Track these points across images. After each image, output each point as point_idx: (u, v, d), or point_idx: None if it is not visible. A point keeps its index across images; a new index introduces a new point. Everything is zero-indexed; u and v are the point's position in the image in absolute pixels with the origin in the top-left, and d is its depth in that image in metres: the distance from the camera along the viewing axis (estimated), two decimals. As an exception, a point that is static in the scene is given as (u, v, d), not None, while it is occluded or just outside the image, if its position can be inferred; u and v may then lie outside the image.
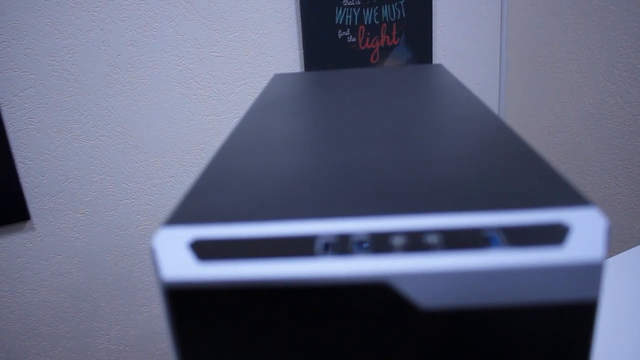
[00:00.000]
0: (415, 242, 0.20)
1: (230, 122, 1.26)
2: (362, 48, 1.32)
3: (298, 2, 1.24)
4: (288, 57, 1.28)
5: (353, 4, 1.28)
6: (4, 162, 1.07)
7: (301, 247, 0.20)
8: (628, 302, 0.60)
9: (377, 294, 0.19)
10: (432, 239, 0.20)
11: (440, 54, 1.44)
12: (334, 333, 0.20)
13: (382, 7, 1.31)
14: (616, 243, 1.28)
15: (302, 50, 1.28)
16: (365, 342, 0.20)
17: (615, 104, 1.20)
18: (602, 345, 0.54)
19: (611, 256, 0.77)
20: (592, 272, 0.19)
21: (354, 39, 1.31)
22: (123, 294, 1.27)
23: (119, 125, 1.17)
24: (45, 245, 1.18)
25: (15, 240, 1.14)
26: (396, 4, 1.32)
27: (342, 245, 0.20)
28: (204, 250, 0.21)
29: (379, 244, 0.20)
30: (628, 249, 0.79)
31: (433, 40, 1.41)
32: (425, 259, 0.19)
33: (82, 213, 1.19)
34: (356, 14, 1.30)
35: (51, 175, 1.14)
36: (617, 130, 1.21)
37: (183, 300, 0.20)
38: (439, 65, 0.56)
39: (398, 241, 0.20)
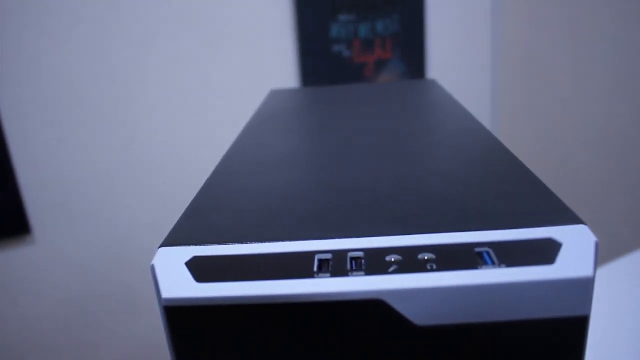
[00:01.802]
0: (410, 261, 0.20)
1: (229, 137, 1.27)
2: (357, 62, 1.34)
3: (294, 16, 1.25)
4: (284, 71, 1.29)
5: (348, 18, 1.30)
6: (5, 175, 1.07)
7: (298, 266, 0.20)
8: (619, 310, 0.60)
9: (373, 312, 0.19)
10: (426, 258, 0.20)
11: (434, 67, 1.45)
12: (331, 350, 0.20)
13: (377, 21, 1.32)
14: (608, 251, 1.29)
15: (297, 65, 1.30)
16: (361, 358, 0.20)
17: (605, 115, 1.21)
18: (593, 355, 0.54)
19: (604, 264, 0.78)
20: (582, 289, 0.19)
21: (348, 53, 1.32)
22: (124, 306, 1.27)
23: (119, 139, 1.17)
24: (46, 258, 1.17)
25: (16, 254, 1.14)
26: (390, 18, 1.34)
27: (338, 265, 0.20)
28: (203, 269, 0.21)
29: (375, 263, 0.20)
30: (620, 256, 0.80)
31: (427, 54, 1.43)
32: (420, 278, 0.19)
33: (83, 226, 1.19)
34: (351, 29, 1.32)
35: (52, 189, 1.14)
36: (607, 140, 1.22)
37: (181, 318, 0.20)
38: (432, 81, 0.57)
39: (393, 260, 0.20)
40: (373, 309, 0.19)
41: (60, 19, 1.07)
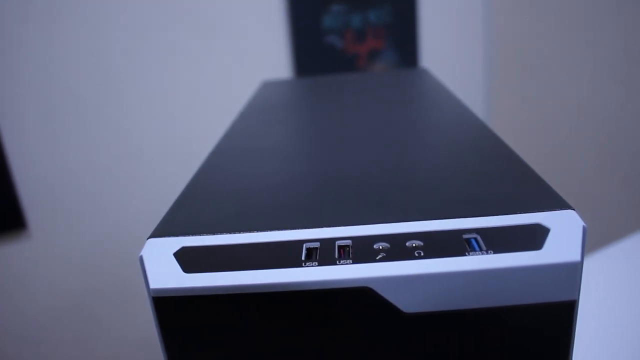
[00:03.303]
0: (397, 249, 0.20)
1: (221, 129, 1.26)
2: (350, 52, 1.33)
3: (286, 7, 1.25)
4: (277, 62, 1.28)
5: (340, 9, 1.29)
6: (0, 170, 1.06)
7: (286, 255, 0.20)
8: (609, 296, 0.61)
9: (361, 300, 0.19)
10: (414, 245, 0.20)
11: (426, 57, 1.45)
12: (320, 338, 0.20)
13: (369, 11, 1.32)
14: (601, 239, 1.30)
15: (290, 55, 1.29)
16: (350, 346, 0.20)
17: (599, 104, 1.21)
18: (582, 342, 0.55)
19: (595, 251, 0.79)
20: (570, 273, 0.19)
21: (341, 44, 1.31)
22: (120, 300, 1.26)
23: (113, 132, 1.16)
24: (42, 252, 1.17)
25: (12, 249, 1.13)
26: (382, 8, 1.33)
27: (326, 253, 0.20)
28: (190, 260, 0.21)
29: (362, 251, 0.20)
30: (612, 244, 0.81)
31: (419, 43, 1.42)
32: (407, 265, 0.19)
33: (79, 220, 1.18)
34: (343, 19, 1.31)
35: (48, 184, 1.13)
36: (601, 129, 1.22)
37: (170, 309, 0.20)
38: (423, 70, 0.57)
39: (380, 248, 0.20)
40: (361, 296, 0.19)
41: (54, 14, 1.06)
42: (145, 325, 1.31)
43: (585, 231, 0.21)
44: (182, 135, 1.23)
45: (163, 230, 0.23)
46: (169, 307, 0.20)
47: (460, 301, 0.20)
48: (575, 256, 0.20)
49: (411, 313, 0.19)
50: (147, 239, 0.23)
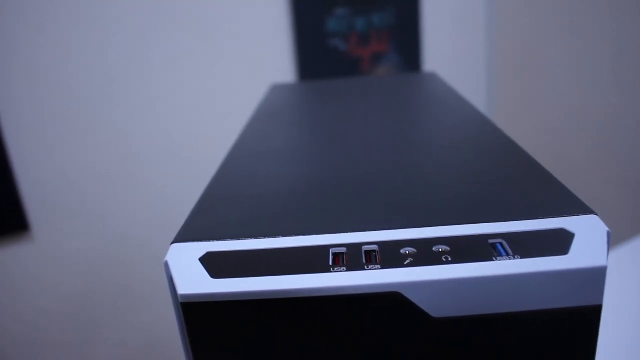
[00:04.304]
0: (425, 253, 0.20)
1: (226, 132, 1.26)
2: (353, 55, 1.33)
3: (290, 10, 1.25)
4: (280, 65, 1.29)
5: (344, 12, 1.29)
6: (3, 172, 1.06)
7: (313, 261, 0.20)
8: (610, 299, 0.61)
9: (390, 305, 0.19)
10: (441, 250, 0.20)
11: (430, 60, 1.45)
12: (348, 344, 0.20)
13: (373, 14, 1.32)
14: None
15: (294, 59, 1.29)
16: (378, 351, 0.20)
17: (601, 107, 1.22)
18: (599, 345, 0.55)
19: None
20: (596, 278, 0.20)
21: (345, 47, 1.32)
22: (123, 302, 1.26)
23: (116, 134, 1.16)
24: (45, 254, 1.17)
25: (15, 251, 1.13)
26: (387, 11, 1.34)
27: (353, 258, 0.20)
28: (217, 265, 0.21)
29: (390, 256, 0.20)
30: (614, 247, 0.81)
31: (423, 46, 1.42)
32: (436, 270, 0.19)
33: (82, 222, 1.18)
34: (347, 22, 1.31)
35: (51, 185, 1.13)
36: (601, 132, 1.23)
37: (198, 315, 0.20)
38: (432, 74, 0.57)
39: (407, 253, 0.20)
40: (390, 302, 0.19)
41: (56, 15, 1.06)
42: (147, 329, 1.31)
43: (609, 236, 0.21)
44: (185, 138, 1.24)
45: (186, 235, 0.23)
46: (197, 313, 0.20)
47: (487, 306, 0.20)
48: (601, 261, 0.20)
49: (439, 318, 0.20)
50: (171, 244, 0.23)
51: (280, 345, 0.20)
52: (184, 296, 0.20)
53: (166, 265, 0.22)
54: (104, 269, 1.23)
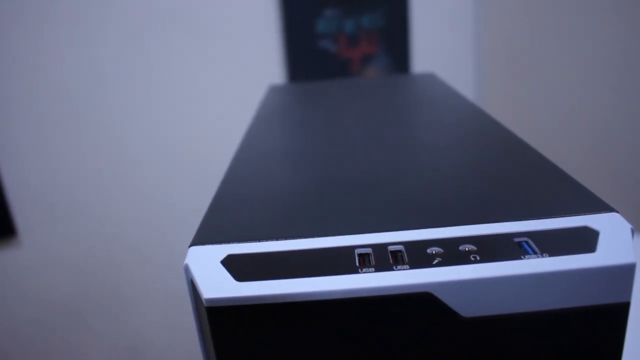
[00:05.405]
0: (451, 253, 0.20)
1: (216, 133, 1.25)
2: (343, 57, 1.33)
3: (279, 11, 1.24)
4: (270, 67, 1.28)
5: (334, 13, 1.29)
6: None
7: (339, 262, 0.20)
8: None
9: (420, 305, 0.19)
10: (467, 249, 0.20)
11: (419, 61, 1.46)
12: (378, 345, 0.20)
13: (362, 16, 1.32)
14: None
15: (283, 60, 1.29)
16: (409, 351, 0.20)
17: (591, 107, 1.23)
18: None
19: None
20: (625, 275, 0.19)
21: (334, 48, 1.32)
22: (111, 306, 1.24)
23: (106, 137, 1.15)
24: (32, 259, 1.15)
25: (2, 256, 1.11)
26: (376, 13, 1.34)
27: (380, 259, 0.20)
28: (240, 268, 0.20)
29: (417, 256, 0.20)
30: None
31: (411, 48, 1.43)
32: (466, 270, 0.19)
33: (70, 226, 1.16)
34: (337, 24, 1.31)
35: (37, 190, 1.11)
36: (591, 132, 1.24)
37: (224, 318, 0.20)
38: (431, 75, 0.57)
39: (434, 252, 0.20)
40: (421, 302, 0.19)
41: (46, 16, 1.04)
42: (137, 331, 1.30)
43: (632, 233, 0.21)
44: (174, 140, 1.22)
45: (205, 237, 0.22)
46: (224, 317, 0.20)
47: (516, 304, 0.19)
48: (629, 258, 0.20)
49: (469, 317, 0.19)
50: (189, 246, 0.22)
51: (308, 347, 0.20)
52: (209, 300, 0.19)
53: (186, 268, 0.21)
54: (92, 273, 1.22)
